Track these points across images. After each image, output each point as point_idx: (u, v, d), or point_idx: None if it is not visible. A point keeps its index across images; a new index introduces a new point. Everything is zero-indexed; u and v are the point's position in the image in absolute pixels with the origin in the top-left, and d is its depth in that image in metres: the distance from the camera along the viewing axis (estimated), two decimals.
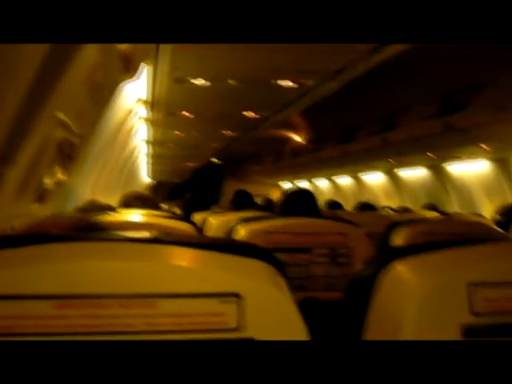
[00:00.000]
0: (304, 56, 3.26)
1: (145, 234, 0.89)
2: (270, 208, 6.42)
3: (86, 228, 1.04)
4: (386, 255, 0.96)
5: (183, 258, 0.81)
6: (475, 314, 0.85)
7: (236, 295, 0.76)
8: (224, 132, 7.23)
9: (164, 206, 10.66)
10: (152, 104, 4.91)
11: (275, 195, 15.77)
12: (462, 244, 0.98)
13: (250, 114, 5.62)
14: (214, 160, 13.08)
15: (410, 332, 0.82)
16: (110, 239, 0.86)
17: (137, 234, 0.89)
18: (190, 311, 0.75)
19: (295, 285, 2.08)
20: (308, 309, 2.07)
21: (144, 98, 4.68)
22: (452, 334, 0.83)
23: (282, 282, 0.84)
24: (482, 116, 4.62)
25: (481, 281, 0.86)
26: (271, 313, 0.77)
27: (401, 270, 0.91)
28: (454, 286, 0.85)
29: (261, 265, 0.85)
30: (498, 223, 3.41)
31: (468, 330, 0.84)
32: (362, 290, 0.94)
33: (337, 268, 2.12)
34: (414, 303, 0.83)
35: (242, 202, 5.07)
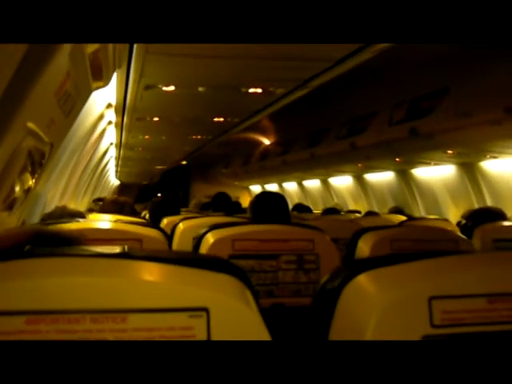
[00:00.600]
0: (273, 64, 3.29)
1: (115, 249, 0.91)
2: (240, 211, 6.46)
3: (49, 240, 1.04)
4: (350, 268, 0.99)
5: (153, 273, 0.84)
6: (435, 326, 0.88)
7: (205, 309, 0.78)
8: (193, 136, 7.22)
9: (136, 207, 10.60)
10: (122, 109, 4.89)
11: (245, 198, 15.82)
12: (424, 257, 1.02)
13: (219, 119, 5.63)
14: (183, 163, 13.05)
15: None
16: (79, 255, 0.88)
17: (107, 249, 0.91)
18: (159, 325, 0.77)
19: (263, 291, 2.11)
20: (276, 314, 2.10)
21: (114, 103, 4.66)
22: None
23: (248, 295, 0.86)
24: (448, 122, 4.69)
25: (441, 294, 0.90)
26: (238, 326, 0.79)
27: (363, 282, 0.94)
28: (415, 299, 0.89)
29: (228, 279, 0.88)
30: (463, 227, 3.48)
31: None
32: (326, 302, 0.97)
33: (304, 274, 2.15)
34: (375, 316, 0.87)
35: (222, 204, 5.11)
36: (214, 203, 5.10)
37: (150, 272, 0.84)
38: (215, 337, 0.78)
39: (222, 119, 5.64)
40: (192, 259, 0.92)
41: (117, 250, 0.91)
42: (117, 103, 4.63)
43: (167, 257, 0.90)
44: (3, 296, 0.74)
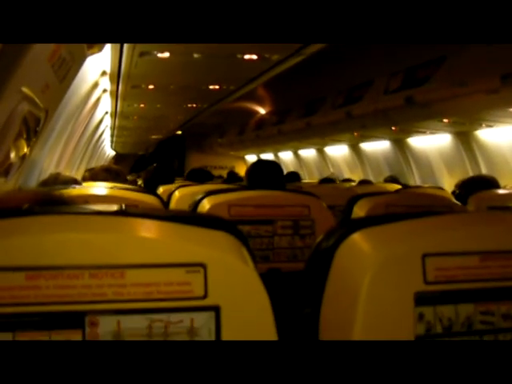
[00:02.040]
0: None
1: (112, 207, 0.92)
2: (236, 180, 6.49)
3: (49, 202, 1.05)
4: (345, 227, 1.00)
5: (150, 229, 0.85)
6: (428, 282, 0.90)
7: (202, 265, 0.80)
8: (188, 105, 7.19)
9: (128, 177, 10.60)
10: (117, 77, 4.86)
11: (241, 167, 15.81)
12: (418, 216, 1.03)
13: (214, 87, 5.60)
14: (178, 132, 13.00)
15: (365, 300, 0.87)
16: (78, 212, 0.89)
17: (105, 207, 0.92)
18: (157, 281, 0.79)
19: (259, 256, 2.13)
20: (272, 279, 2.13)
21: (108, 71, 4.63)
22: (405, 301, 0.89)
23: (245, 252, 0.88)
24: (444, 90, 4.68)
25: (434, 251, 0.91)
26: (235, 282, 0.81)
27: (358, 241, 0.96)
28: (409, 257, 0.90)
29: (225, 236, 0.89)
30: (457, 196, 3.50)
31: (419, 298, 0.89)
32: (321, 261, 0.98)
33: (300, 239, 2.17)
34: (369, 273, 0.88)
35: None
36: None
37: (148, 228, 0.85)
38: (212, 292, 0.79)
39: (217, 87, 5.61)
40: (189, 217, 0.93)
41: (114, 208, 0.92)
42: (111, 71, 4.60)
43: (165, 214, 0.91)
44: (3, 252, 0.75)
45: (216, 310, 0.80)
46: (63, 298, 0.76)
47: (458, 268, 0.92)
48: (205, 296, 0.79)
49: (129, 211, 0.90)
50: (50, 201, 1.08)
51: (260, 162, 2.78)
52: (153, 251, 0.79)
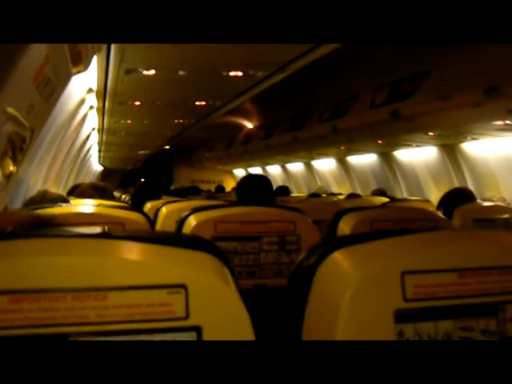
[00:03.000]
0: (253, 48, 3.30)
1: (95, 229, 0.93)
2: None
3: (38, 224, 1.06)
4: (326, 245, 1.02)
5: (132, 252, 0.86)
6: (407, 300, 0.91)
7: (183, 286, 0.81)
8: (175, 121, 7.21)
9: (116, 193, 10.59)
10: (103, 94, 4.87)
11: (229, 182, 15.82)
12: (398, 234, 1.05)
13: (200, 103, 5.62)
14: (166, 147, 13.00)
15: (345, 319, 0.88)
16: (61, 235, 0.90)
17: (88, 230, 0.93)
18: (139, 302, 0.79)
19: (246, 272, 2.14)
20: (258, 295, 2.13)
21: (95, 88, 4.64)
22: (385, 319, 0.90)
23: (226, 273, 0.89)
24: (429, 104, 4.72)
25: (413, 269, 0.93)
26: (216, 302, 0.82)
27: (338, 259, 0.97)
28: (388, 275, 0.92)
29: (207, 257, 0.90)
30: (445, 207, 3.52)
31: (399, 315, 0.90)
32: (302, 279, 1.00)
33: (286, 255, 2.18)
34: (349, 291, 0.89)
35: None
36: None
37: (130, 251, 0.86)
38: (193, 313, 0.80)
39: (203, 103, 5.64)
40: (171, 238, 0.94)
41: (97, 230, 0.93)
42: (98, 88, 4.61)
43: (146, 236, 0.92)
44: None
45: (197, 330, 0.81)
46: (46, 321, 0.77)
47: (436, 285, 0.93)
48: (186, 317, 0.80)
49: (111, 234, 0.91)
50: (36, 223, 1.08)
51: (250, 176, 2.80)
52: (135, 273, 0.80)
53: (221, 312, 0.82)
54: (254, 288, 2.14)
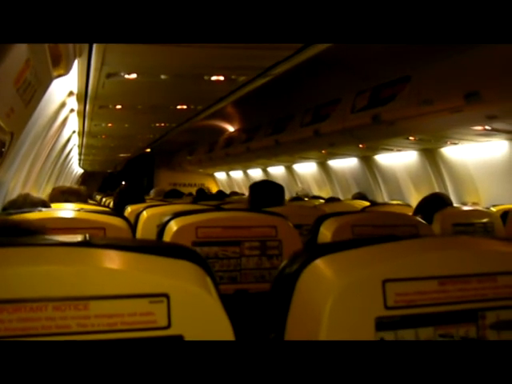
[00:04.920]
0: (235, 53, 3.30)
1: (77, 238, 0.92)
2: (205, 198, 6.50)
3: (14, 231, 1.05)
4: (307, 253, 1.02)
5: (113, 260, 0.85)
6: (388, 307, 0.92)
7: (165, 295, 0.80)
8: (156, 124, 7.19)
9: (98, 196, 10.54)
10: (84, 97, 4.84)
11: (210, 185, 15.81)
12: (379, 241, 1.05)
13: (182, 107, 5.61)
14: (147, 150, 12.96)
15: (326, 327, 0.89)
16: (41, 244, 0.89)
17: (69, 238, 0.92)
18: (121, 312, 0.79)
19: (227, 277, 2.13)
20: (240, 300, 2.13)
21: (76, 91, 4.61)
22: (366, 326, 0.90)
23: (208, 281, 0.89)
24: (409, 109, 4.76)
25: (394, 277, 0.93)
26: (198, 311, 0.82)
27: (320, 267, 0.97)
28: (370, 282, 0.92)
29: (189, 266, 0.90)
30: (422, 212, 3.55)
31: (380, 323, 0.91)
32: (284, 287, 1.00)
33: (267, 260, 2.17)
34: (331, 299, 0.90)
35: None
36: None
37: (111, 259, 0.85)
38: (175, 322, 0.80)
39: (185, 107, 5.62)
40: (153, 247, 0.94)
41: (78, 238, 0.92)
42: (78, 91, 4.58)
43: (128, 244, 0.91)
44: None
45: (179, 340, 0.80)
46: (27, 331, 0.76)
47: (417, 293, 0.94)
48: (168, 326, 0.80)
49: (92, 242, 0.90)
50: (15, 230, 1.07)
51: (263, 182, 2.92)
52: (116, 282, 0.80)
53: (203, 321, 0.82)
54: (235, 293, 2.14)
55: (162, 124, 7.17)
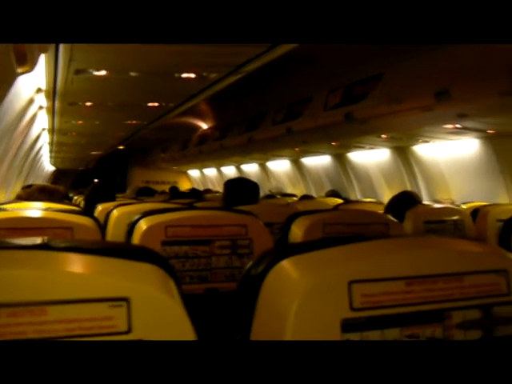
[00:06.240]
0: (206, 50, 3.27)
1: (35, 241, 0.90)
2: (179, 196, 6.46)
3: None
4: (273, 254, 1.00)
5: (72, 264, 0.83)
6: (354, 309, 0.91)
7: (125, 299, 0.78)
8: (128, 122, 7.13)
9: (70, 195, 10.43)
10: (53, 94, 4.77)
11: (183, 183, 15.76)
12: (346, 241, 1.04)
13: (153, 104, 5.57)
14: (120, 147, 12.86)
15: (292, 328, 0.87)
16: None
17: (26, 241, 0.89)
18: (79, 316, 0.77)
19: (197, 276, 2.11)
20: (210, 300, 2.11)
21: (44, 87, 4.54)
22: (332, 328, 0.89)
23: (171, 285, 0.87)
24: (381, 107, 4.78)
25: (360, 278, 0.92)
26: (160, 316, 0.80)
27: (286, 268, 0.96)
28: (336, 284, 0.91)
29: (151, 269, 0.88)
30: (393, 210, 3.57)
31: (346, 324, 0.90)
32: (250, 288, 0.98)
33: (237, 259, 2.16)
34: (296, 300, 0.88)
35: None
36: None
37: (70, 263, 0.83)
38: (136, 327, 0.78)
39: (156, 104, 5.59)
40: (113, 249, 0.91)
41: (37, 241, 0.90)
42: (47, 88, 4.51)
43: (88, 247, 0.89)
44: None
45: None
46: None
47: (384, 294, 0.93)
48: (128, 331, 0.78)
49: (51, 245, 0.87)
50: None
51: (237, 180, 2.92)
52: (75, 286, 0.77)
53: (164, 325, 0.80)
54: (205, 292, 2.12)
55: (134, 121, 7.12)
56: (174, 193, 7.59)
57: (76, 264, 0.83)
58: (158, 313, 0.79)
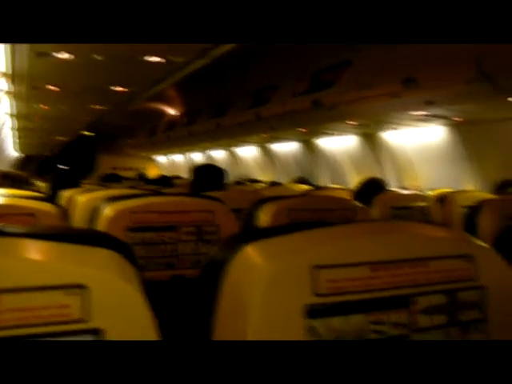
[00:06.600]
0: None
1: None
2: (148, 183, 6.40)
3: None
4: (238, 239, 0.98)
5: (27, 250, 0.80)
6: (319, 295, 0.89)
7: (81, 286, 0.75)
8: (93, 106, 7.03)
9: (35, 181, 10.28)
10: (13, 77, 4.66)
11: (151, 169, 15.65)
12: (313, 226, 1.02)
13: (119, 89, 5.49)
14: (86, 133, 12.68)
15: (255, 315, 0.85)
16: None
17: None
18: (34, 305, 0.74)
19: (163, 263, 2.09)
20: (176, 286, 2.09)
21: (4, 70, 4.42)
22: (296, 315, 0.88)
23: (129, 271, 0.84)
24: (349, 93, 4.79)
25: (325, 263, 0.90)
26: (117, 302, 0.77)
27: (249, 254, 0.94)
28: (300, 269, 0.89)
29: (109, 254, 0.85)
30: (360, 196, 3.58)
31: (310, 310, 0.88)
32: (213, 274, 0.96)
33: (204, 245, 2.14)
34: (260, 286, 0.86)
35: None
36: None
37: (24, 249, 0.80)
38: (93, 315, 0.75)
39: (122, 89, 5.50)
40: (70, 235, 0.88)
41: None
42: (7, 71, 4.40)
43: (43, 233, 0.85)
44: None
45: (97, 333, 0.75)
46: None
47: (348, 279, 0.92)
48: (85, 319, 0.75)
49: (4, 230, 0.84)
50: None
51: (204, 166, 2.92)
52: (29, 273, 0.74)
53: (122, 313, 0.77)
54: (172, 279, 2.09)
55: (99, 106, 7.02)
56: (143, 179, 7.52)
57: (30, 250, 0.80)
58: (116, 300, 0.77)
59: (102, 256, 0.84)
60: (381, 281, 0.94)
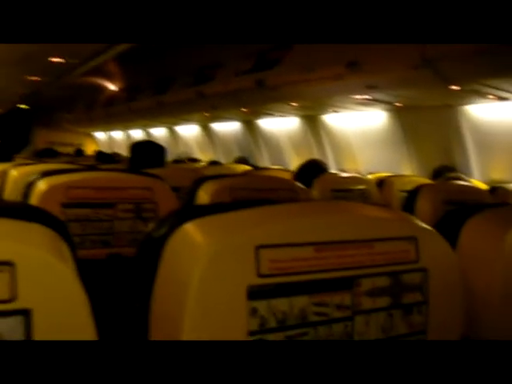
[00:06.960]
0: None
1: None
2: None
3: None
4: (177, 216, 0.94)
5: None
6: (261, 275, 0.86)
7: (8, 263, 0.69)
8: (28, 77, 6.77)
9: None
10: None
11: (89, 145, 15.33)
12: (255, 205, 0.99)
13: (57, 59, 5.30)
14: (22, 106, 12.27)
15: (195, 295, 0.82)
16: None
17: None
18: None
19: (99, 241, 2.03)
20: (112, 265, 2.03)
21: None
22: (238, 296, 0.84)
23: (63, 248, 0.79)
24: (292, 75, 4.78)
25: (268, 243, 0.87)
26: (48, 281, 0.72)
27: (189, 231, 0.90)
28: (242, 248, 0.86)
29: (39, 229, 0.79)
30: (300, 178, 3.58)
31: (252, 292, 0.85)
32: (151, 252, 0.92)
33: (142, 223, 2.09)
34: (200, 266, 0.82)
35: None
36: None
37: None
38: (21, 294, 0.70)
39: (60, 59, 5.31)
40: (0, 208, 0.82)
41: None
42: None
43: None
44: None
45: (25, 314, 0.70)
46: None
47: (292, 260, 0.89)
48: (12, 299, 0.70)
49: None
50: None
51: (142, 143, 2.86)
52: None
53: (54, 292, 0.72)
54: (108, 258, 2.04)
55: (36, 78, 6.77)
56: (79, 154, 7.34)
57: None
58: (47, 278, 0.71)
59: (34, 232, 0.78)
60: (325, 262, 0.92)
